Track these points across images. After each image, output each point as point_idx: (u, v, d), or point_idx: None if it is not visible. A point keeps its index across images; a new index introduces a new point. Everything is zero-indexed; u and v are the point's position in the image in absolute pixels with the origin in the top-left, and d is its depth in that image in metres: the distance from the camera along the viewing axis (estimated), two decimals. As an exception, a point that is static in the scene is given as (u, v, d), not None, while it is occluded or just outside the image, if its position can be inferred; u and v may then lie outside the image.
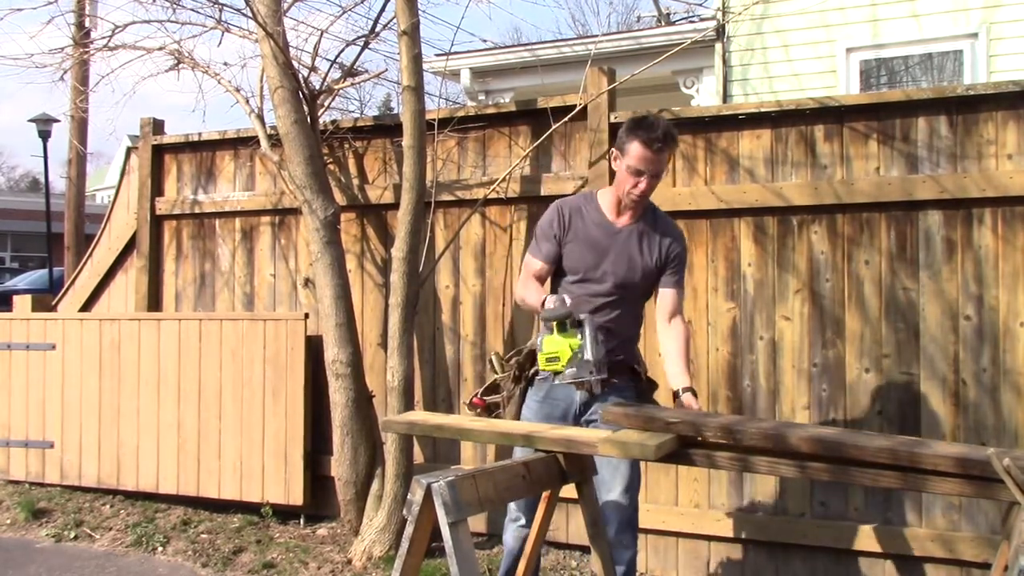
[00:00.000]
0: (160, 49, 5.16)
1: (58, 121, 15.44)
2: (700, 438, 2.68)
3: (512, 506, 3.37)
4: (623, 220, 3.19)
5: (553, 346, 2.87)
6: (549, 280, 3.30)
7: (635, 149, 3.05)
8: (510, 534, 3.34)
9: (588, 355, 2.78)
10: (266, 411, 4.90)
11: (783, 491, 3.97)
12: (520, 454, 3.21)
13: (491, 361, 3.46)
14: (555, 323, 2.88)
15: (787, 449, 2.46)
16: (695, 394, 3.03)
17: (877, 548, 3.78)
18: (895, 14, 7.68)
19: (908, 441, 2.43)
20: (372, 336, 4.90)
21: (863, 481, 2.40)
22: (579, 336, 2.84)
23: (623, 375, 3.18)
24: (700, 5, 12.58)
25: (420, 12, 4.44)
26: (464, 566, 2.40)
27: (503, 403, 3.18)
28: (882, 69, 7.81)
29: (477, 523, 4.49)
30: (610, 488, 3.15)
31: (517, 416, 3.25)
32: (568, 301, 2.94)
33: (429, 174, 4.53)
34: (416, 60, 4.37)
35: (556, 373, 2.92)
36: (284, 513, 4.94)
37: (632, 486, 3.21)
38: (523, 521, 3.28)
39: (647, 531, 4.19)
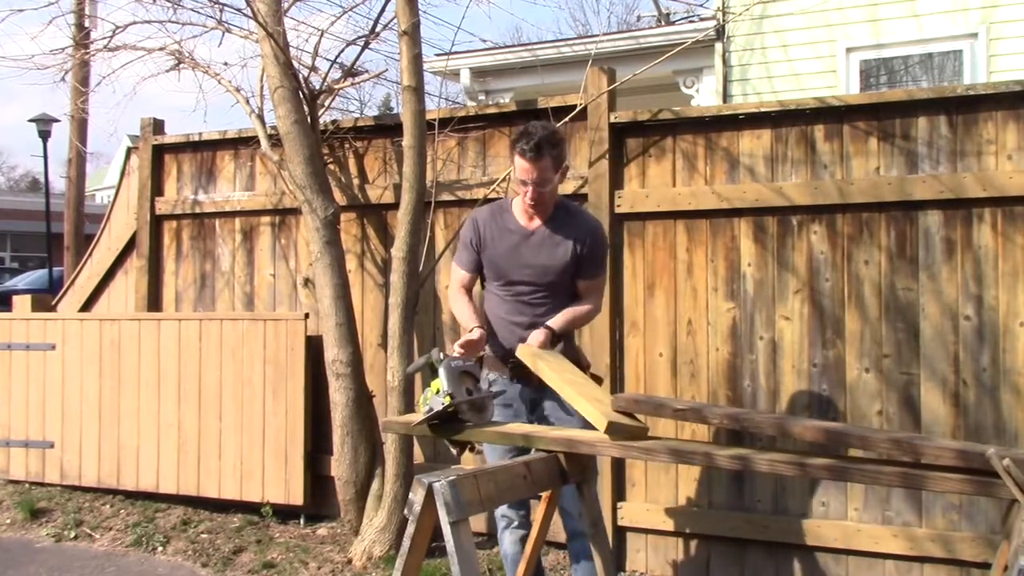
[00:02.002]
0: (161, 49, 5.16)
1: (58, 121, 15.47)
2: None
3: (500, 515, 3.38)
4: (535, 223, 3.31)
5: (425, 395, 3.02)
6: (475, 289, 3.45)
7: (516, 162, 3.19)
8: (507, 542, 3.35)
9: (444, 387, 2.91)
10: (266, 411, 4.90)
11: (783, 491, 3.98)
12: (492, 459, 3.29)
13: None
14: (420, 374, 3.06)
15: (791, 436, 2.47)
16: (546, 332, 3.17)
17: (877, 548, 3.78)
18: (895, 14, 7.68)
19: (909, 435, 2.43)
20: (372, 336, 4.90)
21: (862, 480, 2.40)
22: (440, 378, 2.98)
23: None
24: (700, 5, 12.58)
25: (420, 12, 4.44)
26: (465, 566, 2.40)
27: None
28: (882, 69, 7.81)
29: (478, 523, 4.49)
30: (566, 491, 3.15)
31: None
32: (435, 355, 3.03)
33: (429, 174, 4.53)
34: (416, 60, 4.37)
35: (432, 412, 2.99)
36: (284, 513, 4.94)
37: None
38: (516, 522, 3.31)
39: (647, 531, 4.20)
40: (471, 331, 3.20)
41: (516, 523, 3.34)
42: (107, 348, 5.32)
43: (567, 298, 3.33)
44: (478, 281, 3.48)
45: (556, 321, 3.25)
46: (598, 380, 3.38)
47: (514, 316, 3.32)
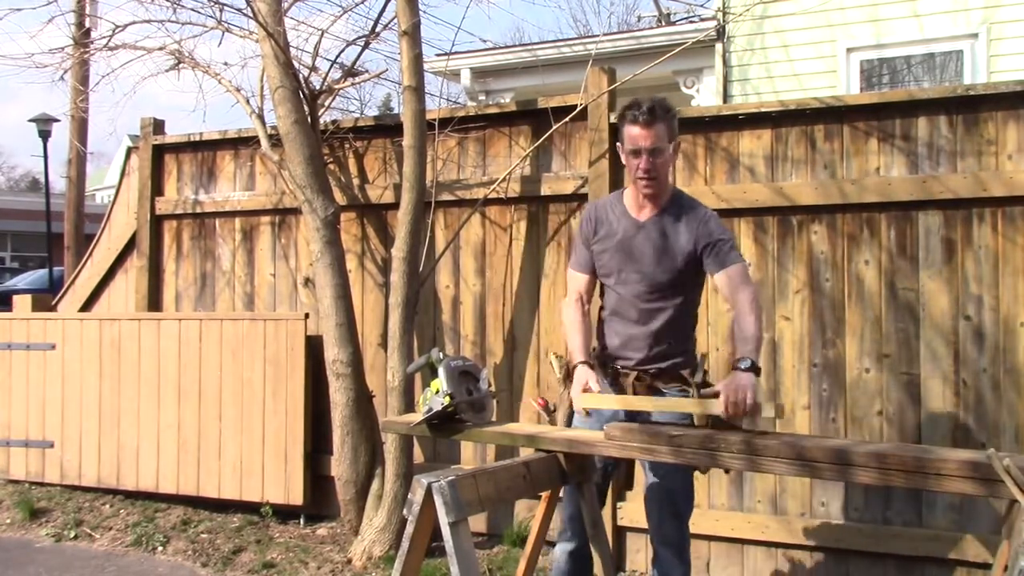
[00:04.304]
0: (160, 49, 5.16)
1: (58, 121, 15.43)
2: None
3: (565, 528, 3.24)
4: (645, 213, 3.04)
5: (425, 395, 3.03)
6: (596, 291, 3.19)
7: (626, 131, 2.94)
8: (558, 549, 3.22)
9: (444, 387, 2.91)
10: (266, 411, 4.90)
11: (783, 491, 3.97)
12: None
13: (551, 362, 3.43)
14: (420, 374, 3.07)
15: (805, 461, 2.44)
16: (752, 369, 2.72)
17: (877, 548, 3.78)
18: (896, 14, 7.67)
19: (913, 448, 2.43)
20: (372, 336, 4.90)
21: (867, 480, 2.40)
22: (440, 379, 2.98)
23: (671, 385, 3.03)
24: (700, 5, 12.59)
25: (420, 12, 4.45)
26: (464, 566, 2.40)
27: (557, 404, 3.17)
28: (883, 69, 7.81)
29: (477, 523, 4.49)
30: (649, 505, 3.09)
31: (567, 419, 3.14)
32: (435, 355, 2.99)
33: (429, 174, 4.54)
34: (417, 60, 4.38)
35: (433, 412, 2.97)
36: (284, 513, 4.94)
37: (671, 500, 3.06)
38: (568, 534, 3.15)
39: (647, 531, 4.18)
40: (576, 367, 2.94)
41: (568, 534, 3.14)
42: (107, 348, 5.32)
43: (684, 302, 3.04)
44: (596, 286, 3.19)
45: (749, 349, 2.77)
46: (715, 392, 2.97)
47: (622, 318, 3.05)
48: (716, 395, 2.74)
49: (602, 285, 3.18)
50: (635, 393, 3.00)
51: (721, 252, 2.95)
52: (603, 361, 3.10)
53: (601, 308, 3.19)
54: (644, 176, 2.94)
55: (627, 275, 3.03)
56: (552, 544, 4.30)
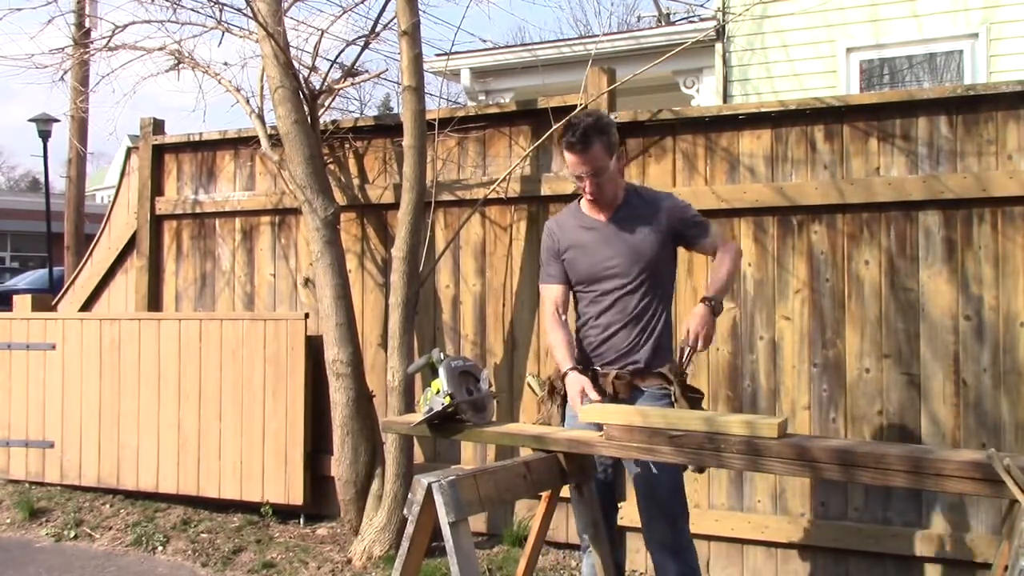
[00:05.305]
0: (160, 49, 5.16)
1: (58, 121, 15.42)
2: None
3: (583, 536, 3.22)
4: (604, 215, 3.13)
5: (425, 395, 3.02)
6: (572, 302, 3.24)
7: (566, 157, 3.03)
8: (585, 564, 3.21)
9: (445, 387, 2.91)
10: (266, 411, 4.90)
11: (783, 491, 3.98)
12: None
13: (528, 384, 3.46)
14: (420, 374, 3.05)
15: (807, 461, 2.44)
16: (709, 305, 2.94)
17: (877, 548, 3.78)
18: (895, 14, 7.68)
19: (914, 448, 2.43)
20: (372, 336, 4.90)
21: (871, 480, 2.39)
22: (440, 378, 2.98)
23: (651, 382, 3.06)
24: (700, 5, 12.59)
25: (420, 12, 4.45)
26: (465, 565, 2.40)
27: (546, 423, 3.16)
28: (883, 69, 7.81)
29: (477, 523, 4.49)
30: (643, 511, 3.05)
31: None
32: (436, 355, 3.00)
33: (429, 174, 4.54)
34: (416, 60, 4.38)
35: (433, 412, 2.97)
36: (284, 513, 4.94)
37: (661, 500, 3.03)
38: (591, 548, 3.11)
39: (647, 531, 4.19)
40: (566, 375, 3.01)
41: (591, 549, 3.11)
42: (107, 348, 5.32)
43: (657, 296, 3.10)
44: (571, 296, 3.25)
45: (715, 284, 3.01)
46: (695, 392, 3.08)
47: (598, 319, 3.10)
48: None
49: (575, 297, 3.23)
50: (615, 391, 3.06)
51: (695, 225, 3.14)
52: (582, 363, 3.12)
53: (576, 319, 3.23)
54: (591, 196, 3.07)
55: (601, 274, 3.10)
56: (552, 544, 4.32)
